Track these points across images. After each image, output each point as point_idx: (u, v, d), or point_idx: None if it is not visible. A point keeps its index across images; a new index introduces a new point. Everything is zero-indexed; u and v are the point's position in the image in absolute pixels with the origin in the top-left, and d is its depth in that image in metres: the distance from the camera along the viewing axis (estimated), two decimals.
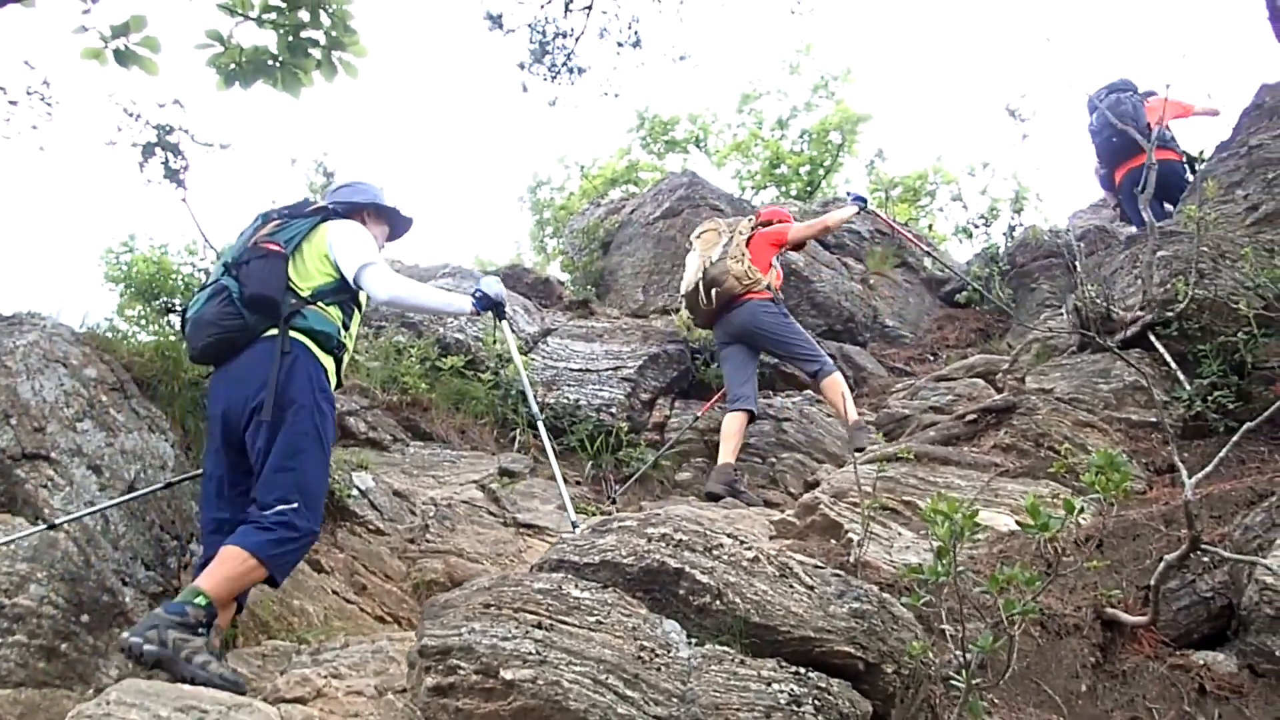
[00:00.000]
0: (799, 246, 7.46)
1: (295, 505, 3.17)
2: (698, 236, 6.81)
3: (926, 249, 10.16)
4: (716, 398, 7.00)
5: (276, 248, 3.57)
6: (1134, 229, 7.26)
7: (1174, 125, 7.79)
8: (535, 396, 7.12)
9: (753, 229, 6.69)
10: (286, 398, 3.31)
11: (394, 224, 4.16)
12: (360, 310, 3.81)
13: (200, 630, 2.86)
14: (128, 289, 6.80)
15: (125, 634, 2.79)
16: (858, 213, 7.87)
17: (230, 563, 3.03)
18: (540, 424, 4.44)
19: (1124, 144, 7.50)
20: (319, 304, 3.55)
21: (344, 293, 3.66)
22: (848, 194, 8.04)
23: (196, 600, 2.91)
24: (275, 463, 3.23)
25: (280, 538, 3.11)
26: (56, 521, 3.28)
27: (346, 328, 3.67)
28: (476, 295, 4.02)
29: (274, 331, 3.41)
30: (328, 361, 3.52)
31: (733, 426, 6.18)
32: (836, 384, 6.18)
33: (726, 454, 6.08)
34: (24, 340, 3.86)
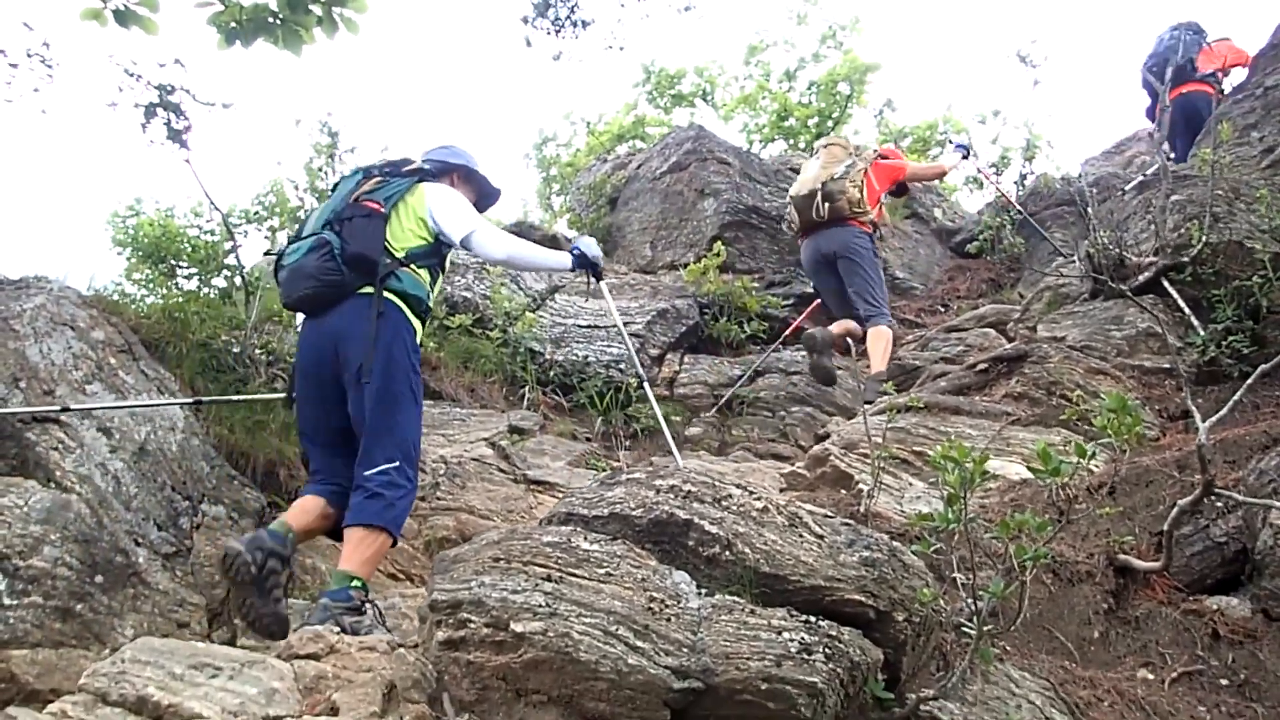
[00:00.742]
0: (903, 191, 7.46)
1: (397, 464, 3.33)
2: (825, 147, 6.78)
3: (1018, 208, 9.23)
4: (809, 311, 7.10)
5: (377, 206, 3.58)
6: (1173, 155, 7.28)
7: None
8: (546, 354, 7.13)
9: (874, 159, 6.70)
10: (384, 358, 3.38)
11: (483, 191, 4.14)
12: (444, 274, 3.84)
13: (364, 608, 3.10)
14: (135, 252, 6.79)
15: (302, 627, 2.91)
16: (963, 160, 7.82)
17: (363, 544, 3.23)
18: (644, 381, 4.68)
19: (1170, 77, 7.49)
20: (412, 266, 3.58)
21: (434, 256, 3.68)
22: (950, 141, 7.97)
23: (353, 585, 3.13)
24: (376, 424, 3.35)
25: (389, 500, 3.29)
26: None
27: (432, 292, 3.69)
28: (575, 254, 4.03)
29: (369, 290, 3.44)
30: (416, 324, 3.56)
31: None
32: (883, 334, 6.16)
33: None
34: (31, 303, 3.85)
